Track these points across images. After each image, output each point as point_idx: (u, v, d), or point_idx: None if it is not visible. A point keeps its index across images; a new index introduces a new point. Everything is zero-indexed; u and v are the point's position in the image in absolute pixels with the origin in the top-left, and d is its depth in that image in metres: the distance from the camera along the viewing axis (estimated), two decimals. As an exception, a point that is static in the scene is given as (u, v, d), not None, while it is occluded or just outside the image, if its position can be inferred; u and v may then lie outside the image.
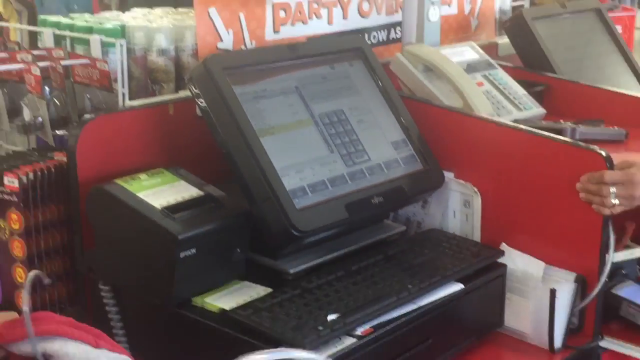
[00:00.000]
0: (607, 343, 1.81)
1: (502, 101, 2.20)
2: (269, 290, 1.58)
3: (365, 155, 1.80)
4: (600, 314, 1.80)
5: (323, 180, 1.69)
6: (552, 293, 1.72)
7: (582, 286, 1.77)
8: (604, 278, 1.75)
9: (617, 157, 1.76)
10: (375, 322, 1.50)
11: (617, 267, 1.87)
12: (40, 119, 1.83)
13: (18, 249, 1.64)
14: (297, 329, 1.43)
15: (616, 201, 1.70)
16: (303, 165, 1.68)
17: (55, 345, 1.17)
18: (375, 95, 1.92)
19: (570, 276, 1.76)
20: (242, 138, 1.61)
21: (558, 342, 1.75)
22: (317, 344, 1.40)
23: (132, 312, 1.64)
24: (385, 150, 1.84)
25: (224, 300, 1.55)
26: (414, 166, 1.86)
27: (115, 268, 1.63)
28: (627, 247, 1.93)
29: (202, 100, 1.65)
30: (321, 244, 1.70)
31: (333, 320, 1.45)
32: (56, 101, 1.85)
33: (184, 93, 1.91)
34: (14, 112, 1.90)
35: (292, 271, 1.63)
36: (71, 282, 1.72)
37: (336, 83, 1.87)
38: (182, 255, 1.51)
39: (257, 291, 1.59)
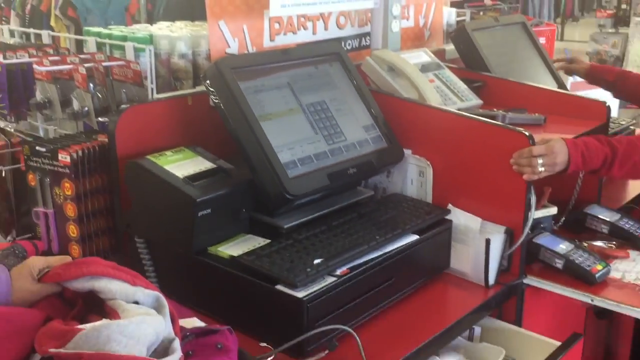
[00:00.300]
0: (529, 280, 1.82)
1: (448, 94, 2.20)
2: (268, 241, 1.58)
3: (343, 136, 1.79)
4: (524, 258, 1.81)
5: (310, 155, 1.68)
6: (487, 242, 1.73)
7: (510, 236, 1.77)
8: (527, 230, 1.76)
9: (538, 136, 1.77)
10: (350, 265, 1.51)
11: (537, 222, 1.88)
12: (86, 108, 1.82)
13: (70, 210, 1.64)
14: (290, 270, 1.43)
15: (542, 169, 1.70)
16: (294, 144, 1.67)
17: (102, 283, 1.16)
18: (350, 89, 1.91)
19: (501, 229, 1.77)
20: (246, 122, 1.60)
21: (492, 279, 1.76)
22: (306, 281, 1.41)
23: (161, 259, 1.64)
24: (358, 132, 1.83)
25: (233, 248, 1.55)
26: (380, 144, 1.86)
27: (148, 225, 1.62)
28: (544, 206, 1.94)
29: (215, 93, 1.64)
30: (309, 205, 1.69)
31: (318, 264, 1.45)
32: (99, 94, 1.83)
33: (200, 88, 1.90)
34: (65, 103, 1.88)
35: (286, 226, 1.62)
36: (113, 236, 1.71)
37: (319, 80, 1.86)
38: (199, 214, 1.51)
39: (258, 242, 1.58)
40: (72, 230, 1.64)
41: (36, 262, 1.23)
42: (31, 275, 1.20)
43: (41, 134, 1.93)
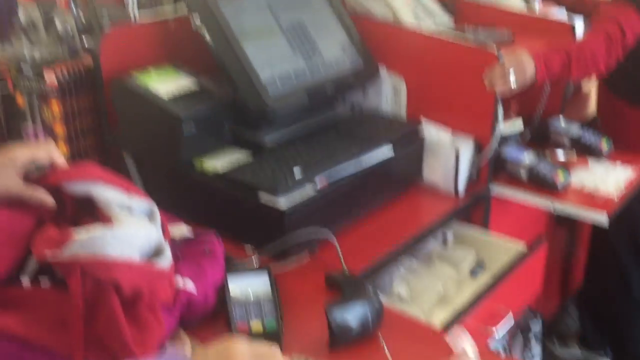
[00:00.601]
0: (496, 188, 1.86)
1: (422, 14, 2.16)
2: (250, 154, 1.58)
3: (321, 55, 1.76)
4: (491, 169, 1.82)
5: (289, 73, 1.66)
6: (457, 154, 1.74)
7: (479, 149, 1.79)
8: (494, 141, 1.77)
9: (505, 51, 1.76)
10: (328, 175, 1.51)
11: (504, 139, 1.89)
12: (70, 30, 1.76)
13: (60, 129, 1.61)
14: (272, 180, 1.44)
15: (514, 84, 1.70)
16: (274, 63, 1.64)
17: (98, 190, 1.14)
18: (328, 11, 1.86)
19: (471, 141, 1.78)
20: (227, 42, 1.57)
21: (461, 189, 1.78)
22: (287, 191, 1.42)
23: (149, 174, 1.63)
24: (335, 51, 1.80)
25: (217, 162, 1.54)
26: (356, 63, 1.83)
27: (135, 142, 1.61)
28: (511, 119, 1.95)
29: (196, 15, 1.60)
30: (289, 122, 1.68)
31: (298, 172, 1.46)
32: (81, 16, 1.77)
33: (181, 11, 1.84)
34: (48, 26, 1.81)
35: (267, 142, 1.62)
36: (102, 153, 1.69)
37: (298, 1, 1.81)
38: (184, 131, 1.49)
39: (241, 155, 1.58)
40: (62, 148, 1.62)
41: (19, 155, 1.07)
42: (15, 170, 1.08)
43: (27, 57, 1.87)
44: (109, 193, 1.15)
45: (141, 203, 1.21)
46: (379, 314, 1.18)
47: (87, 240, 1.05)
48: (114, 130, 1.63)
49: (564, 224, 2.45)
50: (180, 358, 0.86)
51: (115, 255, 1.06)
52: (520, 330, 2.11)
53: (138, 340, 1.03)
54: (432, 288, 1.61)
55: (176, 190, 1.58)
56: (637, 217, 2.05)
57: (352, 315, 1.15)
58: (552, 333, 2.58)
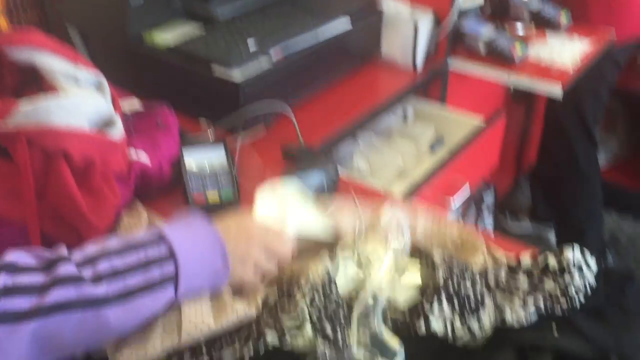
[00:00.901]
0: (454, 62, 1.83)
1: None
2: (203, 27, 1.51)
3: None
4: (450, 43, 1.79)
5: (240, -60, 1.57)
6: (416, 27, 1.70)
7: (438, 22, 1.74)
8: (453, 16, 1.73)
9: None
10: (284, 47, 1.46)
11: (464, 12, 1.85)
12: None
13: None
14: (225, 53, 1.38)
15: None
16: None
17: (43, 59, 1.07)
18: None
19: (430, 14, 1.73)
20: None
21: (419, 64, 1.76)
22: (241, 63, 1.37)
23: (96, 49, 1.55)
24: None
25: (168, 35, 1.47)
26: None
27: (80, 14, 1.52)
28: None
29: None
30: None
31: (252, 44, 1.41)
32: None
33: None
34: None
35: (220, 14, 1.55)
36: (45, 27, 1.58)
37: None
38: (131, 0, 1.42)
39: (193, 29, 1.51)
40: (1, 22, 1.52)
41: None
42: None
43: None
44: (54, 62, 1.08)
45: (88, 74, 1.15)
46: (335, 181, 1.18)
47: (32, 111, 1.00)
48: (57, 1, 1.53)
49: (520, 101, 2.47)
50: (202, 220, 0.88)
51: (63, 124, 1.01)
52: (474, 201, 2.17)
53: (93, 209, 1.01)
54: (391, 162, 1.62)
55: (126, 65, 1.51)
56: (582, 91, 2.06)
57: (308, 183, 1.15)
58: (504, 207, 2.67)
